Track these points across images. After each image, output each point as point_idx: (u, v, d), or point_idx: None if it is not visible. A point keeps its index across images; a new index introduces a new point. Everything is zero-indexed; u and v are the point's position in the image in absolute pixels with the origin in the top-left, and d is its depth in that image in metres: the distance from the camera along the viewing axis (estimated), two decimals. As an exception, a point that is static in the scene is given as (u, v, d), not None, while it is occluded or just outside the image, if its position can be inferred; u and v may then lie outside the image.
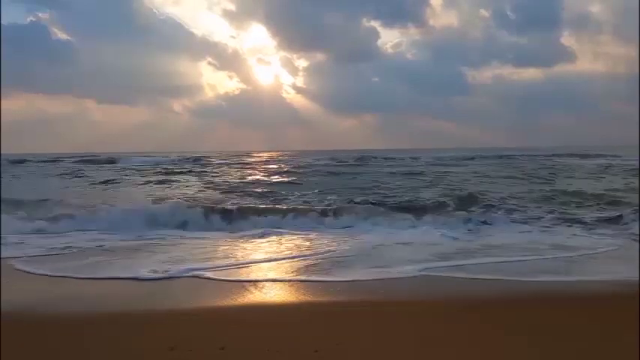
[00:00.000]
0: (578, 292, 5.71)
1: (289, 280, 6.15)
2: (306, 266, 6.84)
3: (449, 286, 6.00)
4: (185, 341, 3.91)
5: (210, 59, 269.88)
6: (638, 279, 6.08)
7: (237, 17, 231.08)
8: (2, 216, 10.08)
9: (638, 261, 7.02)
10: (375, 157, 45.65)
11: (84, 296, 5.54)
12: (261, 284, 6.01)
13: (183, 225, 10.39)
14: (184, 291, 5.81)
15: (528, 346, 3.85)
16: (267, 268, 6.95)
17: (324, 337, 4.04)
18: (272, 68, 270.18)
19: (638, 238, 8.55)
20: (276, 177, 23.98)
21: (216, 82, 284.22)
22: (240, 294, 5.56)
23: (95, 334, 4.20)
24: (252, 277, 6.35)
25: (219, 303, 5.25)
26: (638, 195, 13.09)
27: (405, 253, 7.72)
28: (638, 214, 9.83)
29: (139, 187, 20.24)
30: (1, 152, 36.53)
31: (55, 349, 3.89)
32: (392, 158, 44.03)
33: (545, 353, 3.72)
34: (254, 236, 9.38)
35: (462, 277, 6.31)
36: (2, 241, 8.34)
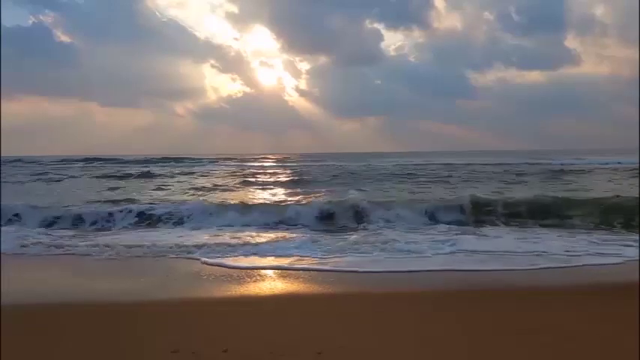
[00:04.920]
0: (578, 291, 5.75)
1: (293, 282, 6.22)
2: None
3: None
4: (188, 343, 3.94)
5: (213, 62, 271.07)
6: (637, 279, 6.10)
7: (240, 19, 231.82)
8: None
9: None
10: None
11: (85, 293, 5.63)
12: (264, 286, 6.07)
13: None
14: (184, 290, 5.87)
15: (529, 345, 3.87)
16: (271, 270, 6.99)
17: (327, 338, 4.06)
18: (275, 71, 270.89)
19: (638, 239, 8.54)
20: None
21: (219, 85, 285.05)
22: (243, 296, 5.62)
23: (97, 336, 4.23)
24: (255, 278, 6.41)
25: (221, 305, 5.30)
26: None
27: None
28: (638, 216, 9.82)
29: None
30: (2, 154, 37.35)
31: (55, 349, 3.92)
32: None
33: (545, 353, 3.75)
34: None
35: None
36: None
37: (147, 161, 50.39)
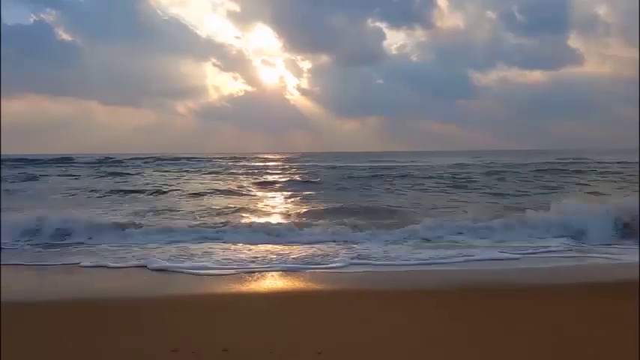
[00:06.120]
0: (578, 289, 5.76)
1: (293, 282, 6.22)
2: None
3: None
4: (188, 343, 3.94)
5: (214, 60, 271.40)
6: (637, 278, 6.11)
7: (241, 18, 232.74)
8: None
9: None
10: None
11: (85, 293, 5.63)
12: (265, 286, 6.07)
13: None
14: (185, 289, 5.87)
15: (529, 344, 3.88)
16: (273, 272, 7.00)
17: (327, 338, 4.06)
18: (276, 70, 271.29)
19: (639, 240, 8.55)
20: None
21: (220, 84, 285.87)
22: (244, 295, 5.62)
23: (97, 336, 4.23)
24: (256, 279, 6.41)
25: (221, 304, 5.31)
26: None
27: None
28: (638, 215, 9.82)
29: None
30: (2, 153, 37.22)
31: (54, 349, 3.91)
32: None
33: (545, 353, 3.75)
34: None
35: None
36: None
37: (159, 159, 50.17)
